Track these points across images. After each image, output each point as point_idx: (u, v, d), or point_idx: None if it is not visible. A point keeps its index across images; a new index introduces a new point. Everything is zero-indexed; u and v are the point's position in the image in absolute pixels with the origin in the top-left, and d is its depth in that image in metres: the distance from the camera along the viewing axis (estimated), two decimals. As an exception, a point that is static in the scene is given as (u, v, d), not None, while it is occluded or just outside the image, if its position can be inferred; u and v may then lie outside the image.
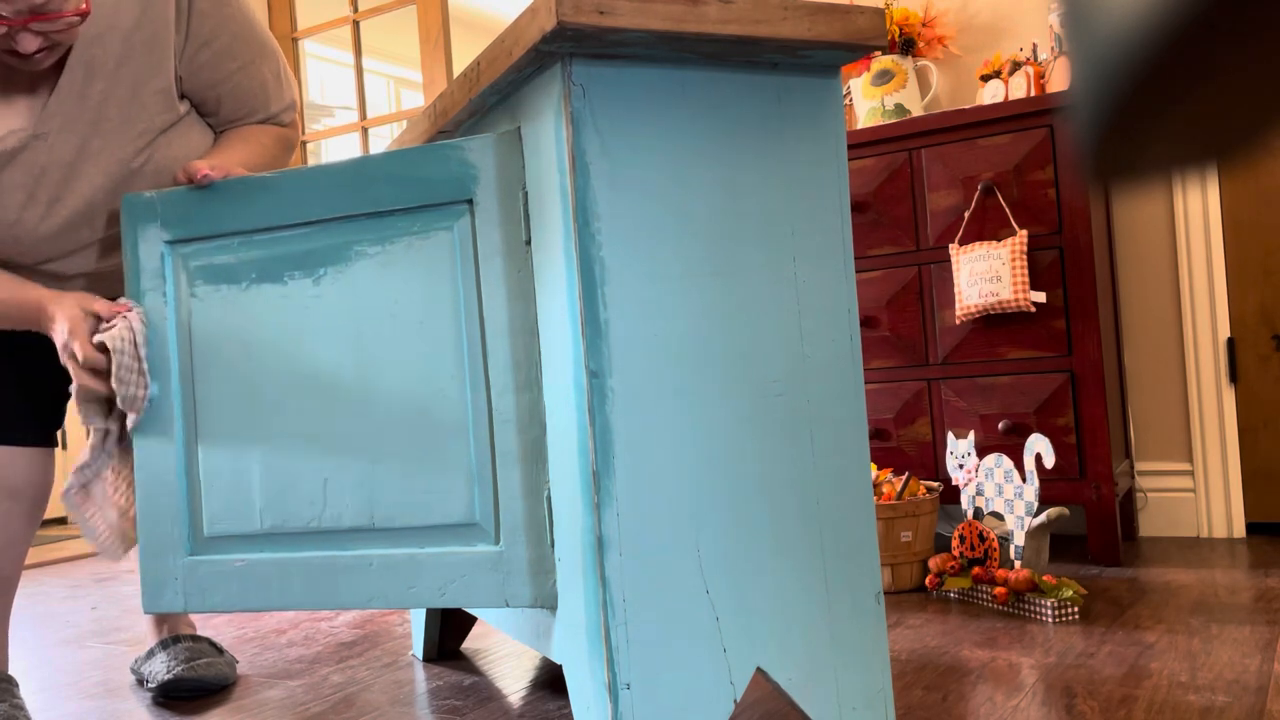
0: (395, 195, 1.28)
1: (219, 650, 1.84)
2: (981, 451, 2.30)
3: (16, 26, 1.31)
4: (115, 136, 1.50)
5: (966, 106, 2.37)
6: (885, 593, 2.12)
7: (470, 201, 1.24)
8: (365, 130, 4.01)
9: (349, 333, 1.31)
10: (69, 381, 1.68)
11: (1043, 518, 1.98)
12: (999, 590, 1.89)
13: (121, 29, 1.47)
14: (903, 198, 2.39)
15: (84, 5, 1.36)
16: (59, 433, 4.62)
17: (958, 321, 2.28)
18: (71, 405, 4.56)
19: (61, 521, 4.65)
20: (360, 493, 1.30)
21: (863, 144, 2.42)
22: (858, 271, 2.45)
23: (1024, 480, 1.98)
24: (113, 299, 1.68)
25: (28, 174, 1.46)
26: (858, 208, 2.44)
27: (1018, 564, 1.97)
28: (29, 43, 1.34)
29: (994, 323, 2.28)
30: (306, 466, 1.34)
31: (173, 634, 1.84)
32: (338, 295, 1.32)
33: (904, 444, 2.40)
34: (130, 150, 1.52)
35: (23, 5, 1.30)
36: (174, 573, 1.41)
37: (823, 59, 1.21)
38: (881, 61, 2.62)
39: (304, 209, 1.33)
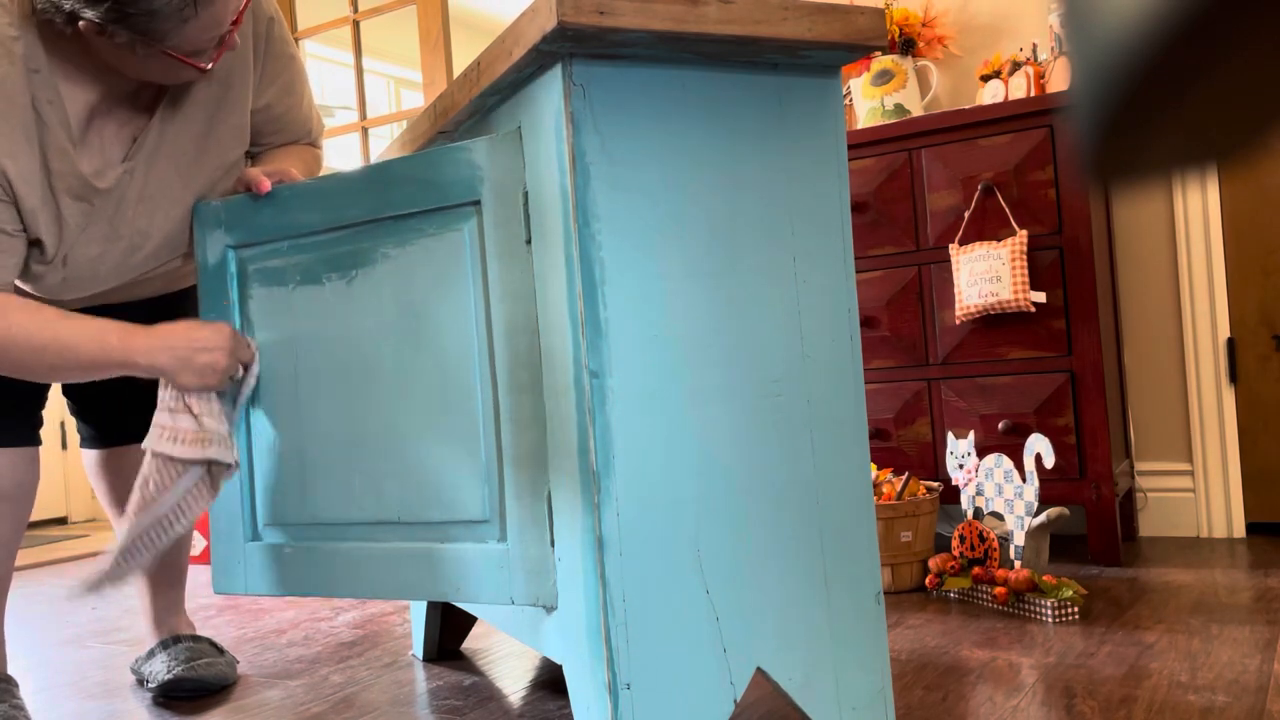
0: (413, 198, 1.30)
1: (219, 650, 1.84)
2: (981, 451, 2.30)
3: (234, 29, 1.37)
4: (191, 171, 1.54)
5: (966, 106, 2.37)
6: (885, 593, 2.12)
7: (477, 203, 1.25)
8: (365, 130, 4.01)
9: (376, 333, 1.34)
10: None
11: (1043, 518, 1.98)
12: (999, 590, 1.89)
13: None
14: (903, 198, 2.39)
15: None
16: (60, 434, 4.61)
17: (957, 321, 2.28)
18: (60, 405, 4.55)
19: (61, 521, 4.65)
20: (387, 487, 1.34)
21: (863, 144, 2.42)
22: (858, 271, 2.45)
23: (1024, 480, 1.98)
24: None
25: (114, 206, 1.48)
26: (858, 208, 2.44)
27: (1018, 564, 1.97)
28: (236, 39, 1.40)
29: (994, 323, 2.28)
30: (340, 461, 1.38)
31: (173, 634, 1.84)
32: (367, 298, 1.35)
33: (904, 444, 2.40)
34: (204, 184, 1.56)
35: (236, 2, 1.36)
36: (238, 557, 1.49)
37: (823, 59, 1.21)
38: (881, 61, 2.62)
39: (340, 213, 1.37)
